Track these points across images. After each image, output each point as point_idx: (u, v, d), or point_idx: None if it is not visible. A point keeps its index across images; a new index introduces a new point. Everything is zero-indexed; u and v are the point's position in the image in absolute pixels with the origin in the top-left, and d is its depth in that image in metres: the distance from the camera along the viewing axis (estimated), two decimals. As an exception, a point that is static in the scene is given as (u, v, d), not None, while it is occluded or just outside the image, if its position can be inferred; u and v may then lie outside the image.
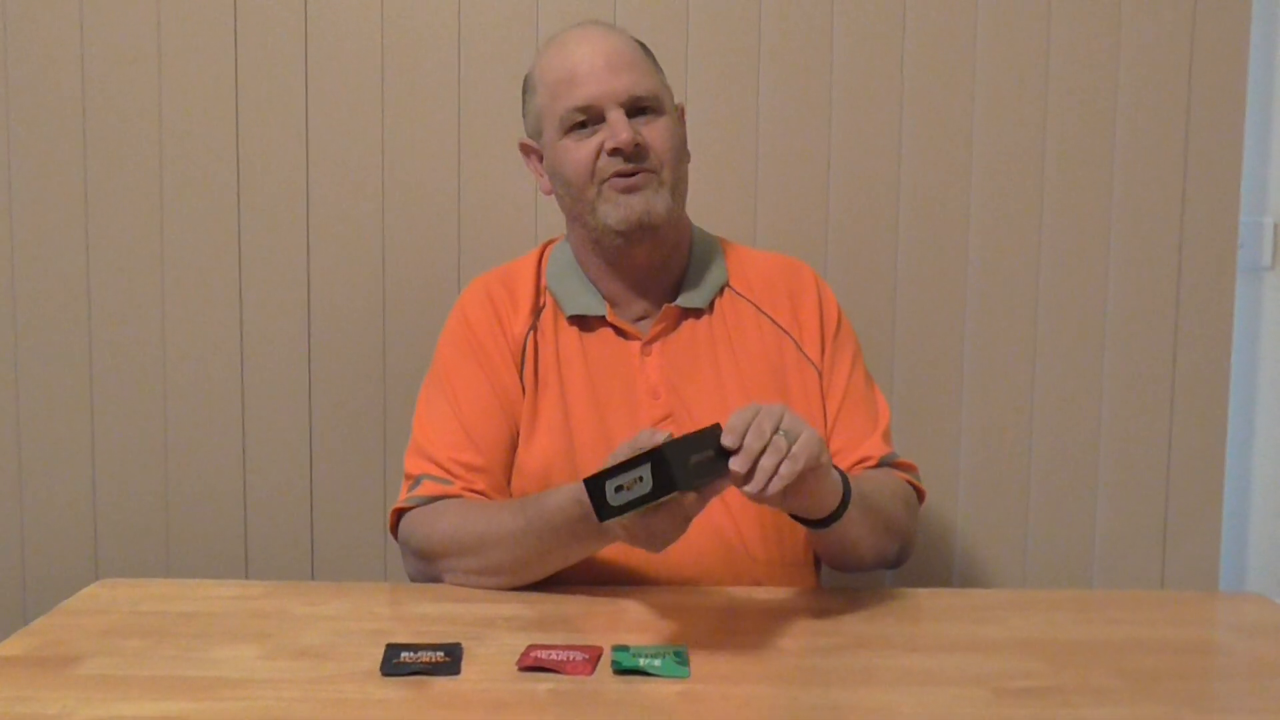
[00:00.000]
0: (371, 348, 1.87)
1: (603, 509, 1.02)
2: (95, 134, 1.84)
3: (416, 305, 1.86)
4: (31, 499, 1.89)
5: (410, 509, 1.34)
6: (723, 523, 1.32)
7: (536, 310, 1.41)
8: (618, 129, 1.31)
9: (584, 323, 1.40)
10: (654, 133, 1.34)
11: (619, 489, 1.01)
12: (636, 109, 1.33)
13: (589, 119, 1.33)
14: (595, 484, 1.02)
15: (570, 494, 1.20)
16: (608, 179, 1.33)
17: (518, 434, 1.37)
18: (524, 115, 1.44)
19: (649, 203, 1.33)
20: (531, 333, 1.39)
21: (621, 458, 1.03)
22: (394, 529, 1.36)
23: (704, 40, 1.82)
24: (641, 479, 1.00)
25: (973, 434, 1.88)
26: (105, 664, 1.04)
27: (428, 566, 1.32)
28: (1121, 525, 1.89)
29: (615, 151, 1.32)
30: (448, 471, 1.34)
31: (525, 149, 1.45)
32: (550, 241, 1.49)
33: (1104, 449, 1.88)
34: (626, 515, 1.02)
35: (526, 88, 1.42)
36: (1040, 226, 1.86)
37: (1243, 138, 1.84)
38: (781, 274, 1.46)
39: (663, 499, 1.01)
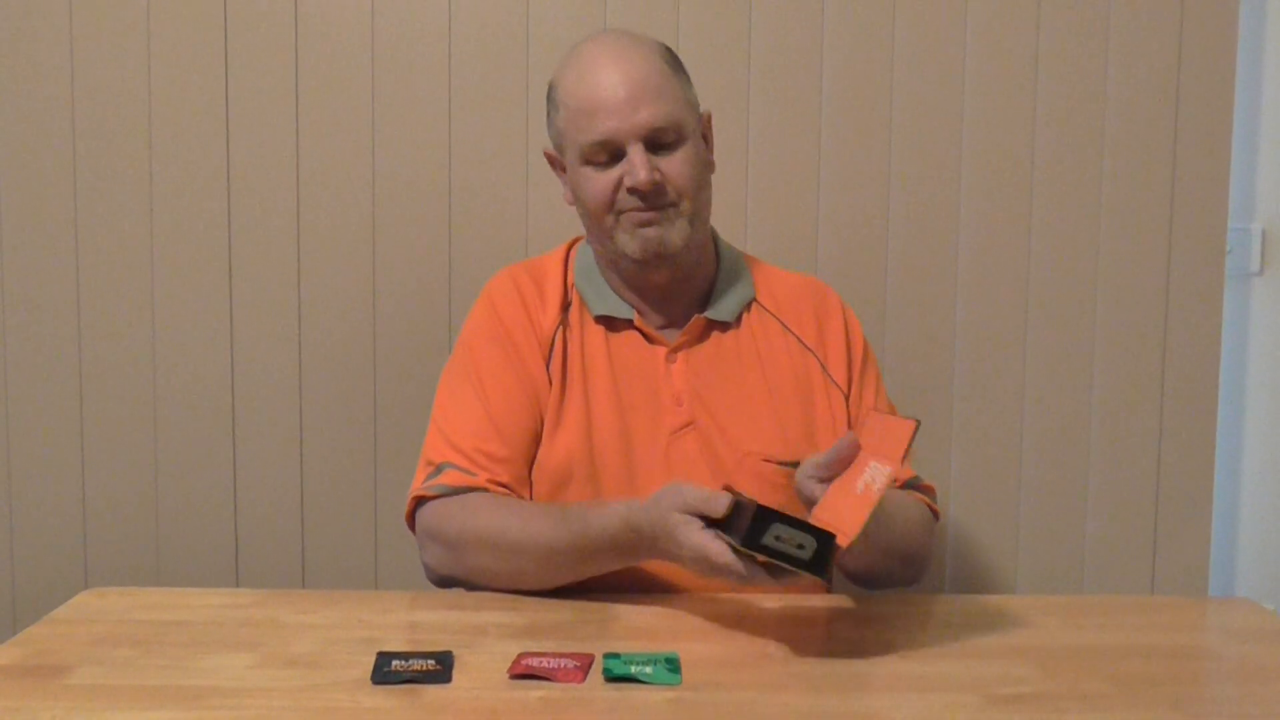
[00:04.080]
0: (362, 354, 1.87)
1: (753, 540, 1.02)
2: (84, 136, 1.84)
3: (407, 312, 1.86)
4: (21, 507, 1.89)
5: (432, 497, 1.31)
6: None
7: (565, 306, 1.41)
8: (637, 169, 1.30)
9: (611, 324, 1.40)
10: (674, 166, 1.33)
11: (779, 538, 1.02)
12: (657, 142, 1.32)
13: (609, 153, 1.33)
14: (764, 515, 1.02)
15: (618, 516, 1.18)
16: (625, 211, 1.34)
17: (542, 427, 1.36)
18: (548, 124, 1.42)
19: (665, 235, 1.34)
20: (561, 328, 1.39)
21: (780, 512, 1.03)
22: (410, 514, 1.34)
23: (693, 43, 1.83)
24: (803, 546, 1.02)
25: (963, 441, 1.89)
26: (95, 673, 1.03)
27: (456, 555, 1.29)
28: (1111, 531, 1.90)
29: (633, 190, 1.32)
30: (472, 461, 1.32)
31: (551, 159, 1.45)
32: (576, 240, 1.48)
33: (1094, 455, 1.89)
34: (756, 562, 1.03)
35: (550, 99, 1.40)
36: (1029, 233, 1.86)
37: (1230, 145, 1.86)
38: (807, 294, 1.47)
39: (803, 573, 1.02)
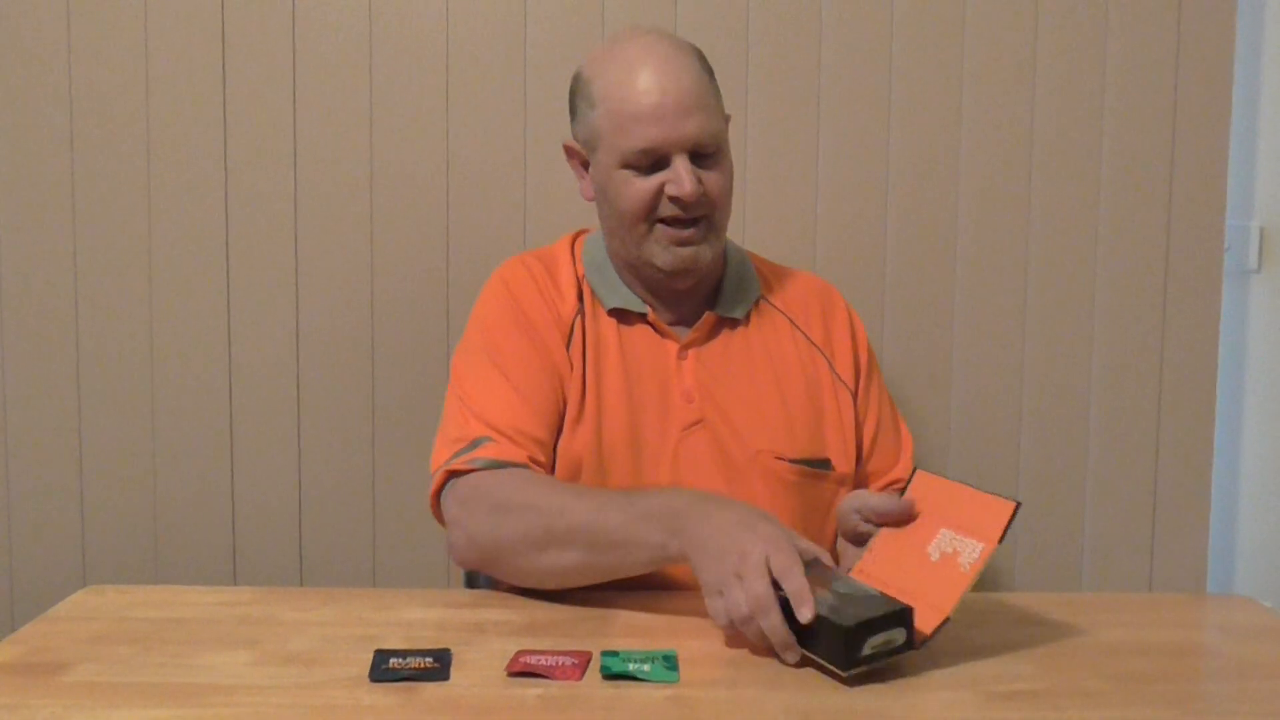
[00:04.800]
0: (360, 351, 1.87)
1: (852, 660, 1.00)
2: (82, 134, 1.84)
3: (405, 309, 1.86)
4: (19, 505, 1.89)
5: (470, 471, 1.25)
6: None
7: (580, 295, 1.39)
8: (683, 180, 1.30)
9: (623, 317, 1.39)
10: (714, 180, 1.33)
11: (874, 646, 1.01)
12: (699, 153, 1.32)
13: (651, 160, 1.31)
14: (855, 634, 0.99)
15: (679, 492, 1.18)
16: (663, 220, 1.33)
17: (565, 411, 1.33)
18: (573, 117, 1.40)
19: (699, 254, 1.34)
20: (579, 317, 1.37)
21: (864, 616, 1.00)
22: (436, 492, 1.28)
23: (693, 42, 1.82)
24: (894, 639, 1.02)
25: (960, 437, 1.89)
26: (93, 671, 1.03)
27: (500, 520, 1.21)
28: (1110, 528, 1.90)
29: (676, 199, 1.31)
30: (510, 439, 1.27)
31: (570, 151, 1.42)
32: (580, 233, 1.47)
33: (1092, 452, 1.89)
34: (862, 668, 1.01)
35: (580, 94, 1.37)
36: (1028, 230, 1.86)
37: (1228, 142, 1.86)
38: (813, 293, 1.47)
39: (904, 653, 1.02)
